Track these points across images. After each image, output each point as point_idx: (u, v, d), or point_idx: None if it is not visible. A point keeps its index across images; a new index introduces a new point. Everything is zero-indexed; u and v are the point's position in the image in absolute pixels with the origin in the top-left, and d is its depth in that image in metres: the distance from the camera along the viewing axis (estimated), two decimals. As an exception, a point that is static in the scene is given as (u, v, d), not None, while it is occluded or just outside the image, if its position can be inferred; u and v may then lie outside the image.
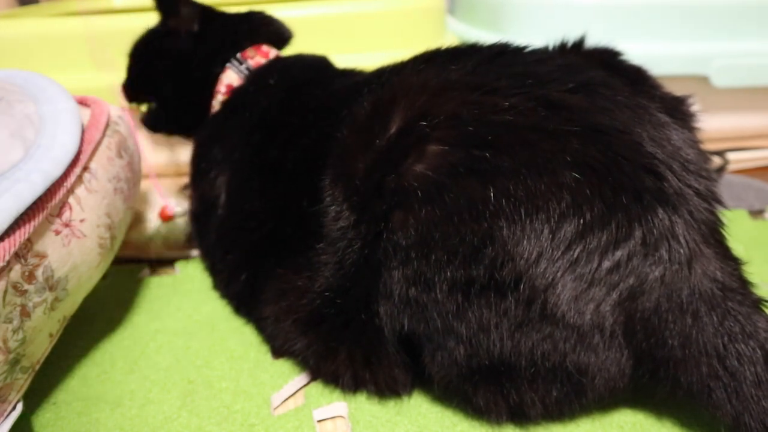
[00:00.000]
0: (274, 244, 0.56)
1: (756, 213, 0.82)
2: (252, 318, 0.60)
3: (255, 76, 0.69)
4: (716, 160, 0.93)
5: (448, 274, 0.41)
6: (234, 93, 0.69)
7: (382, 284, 0.45)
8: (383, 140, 0.46)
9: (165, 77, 0.72)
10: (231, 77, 0.70)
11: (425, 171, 0.42)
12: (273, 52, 0.72)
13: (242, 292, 0.59)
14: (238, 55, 0.70)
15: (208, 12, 0.73)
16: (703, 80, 0.96)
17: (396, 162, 0.44)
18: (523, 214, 0.40)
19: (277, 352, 0.57)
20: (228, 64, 0.70)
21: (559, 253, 0.40)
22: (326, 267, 0.49)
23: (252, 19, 0.75)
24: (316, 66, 0.70)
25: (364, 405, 0.51)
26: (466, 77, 0.49)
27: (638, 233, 0.40)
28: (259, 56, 0.71)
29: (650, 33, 0.96)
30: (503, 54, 0.52)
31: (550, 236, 0.40)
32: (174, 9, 0.72)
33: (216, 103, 0.71)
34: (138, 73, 0.74)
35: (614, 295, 0.40)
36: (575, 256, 0.40)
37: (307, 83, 0.65)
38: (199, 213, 0.68)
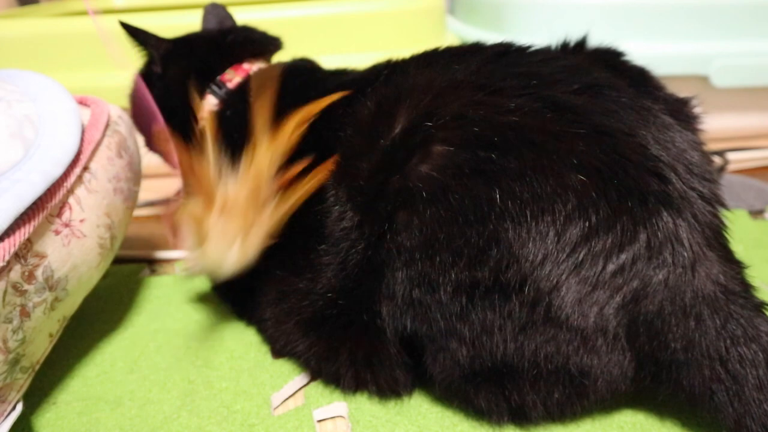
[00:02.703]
0: (274, 246, 0.56)
1: (756, 213, 0.82)
2: (253, 320, 0.60)
3: (231, 98, 0.68)
4: (716, 160, 0.94)
5: (453, 275, 0.41)
6: (213, 121, 0.68)
7: (385, 285, 0.45)
8: (387, 140, 0.46)
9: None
10: (211, 103, 0.70)
11: (430, 172, 0.42)
12: (256, 67, 0.71)
13: (244, 296, 0.59)
14: (218, 78, 0.70)
15: (175, 46, 0.72)
16: (703, 80, 0.96)
17: (400, 162, 0.44)
18: (528, 216, 0.40)
19: (278, 353, 0.57)
20: (208, 90, 0.70)
21: (564, 255, 0.40)
22: (328, 268, 0.49)
23: (226, 39, 0.73)
24: (299, 69, 0.70)
25: (364, 405, 0.51)
26: (470, 77, 0.48)
27: (643, 236, 0.40)
28: (238, 76, 0.70)
29: (650, 33, 0.96)
30: (507, 54, 0.52)
31: (556, 238, 0.40)
32: (144, 46, 0.72)
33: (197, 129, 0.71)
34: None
35: (618, 298, 0.40)
36: (580, 258, 0.40)
37: (295, 86, 0.65)
38: None
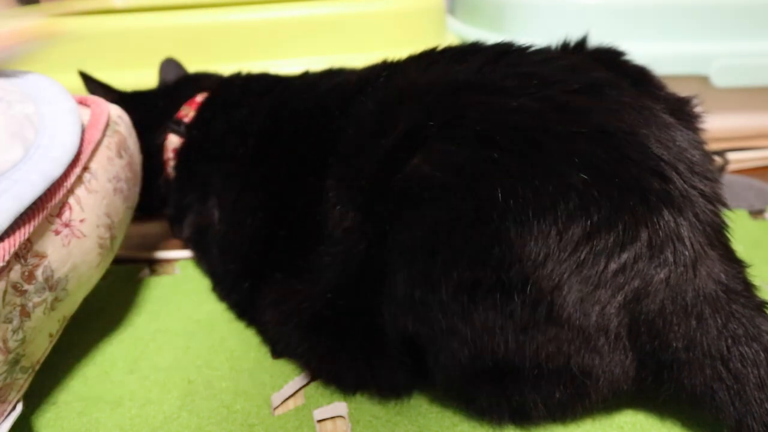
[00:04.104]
0: (273, 249, 0.56)
1: (756, 213, 0.82)
2: (254, 322, 0.60)
3: (191, 129, 0.69)
4: (717, 160, 0.93)
5: (454, 275, 0.41)
6: (180, 155, 0.70)
7: (386, 285, 0.44)
8: (389, 140, 0.46)
9: None
10: (173, 141, 0.71)
11: (432, 171, 0.42)
12: (201, 97, 0.72)
13: (245, 299, 0.59)
14: (175, 117, 0.71)
15: (121, 98, 0.73)
16: (703, 80, 0.96)
17: (402, 162, 0.44)
18: (530, 215, 0.39)
19: (278, 354, 0.56)
20: (168, 130, 0.71)
21: (566, 254, 0.40)
22: (328, 269, 0.49)
23: (176, 85, 0.76)
24: (262, 78, 0.71)
25: (364, 405, 0.51)
26: (471, 77, 0.48)
27: (644, 235, 0.40)
28: (192, 110, 0.71)
29: (650, 33, 0.96)
30: (507, 53, 0.52)
31: (558, 237, 0.39)
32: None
33: (170, 170, 0.72)
34: None
35: (619, 298, 0.40)
36: (582, 257, 0.40)
37: (290, 94, 0.65)
38: (195, 236, 0.68)
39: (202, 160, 0.67)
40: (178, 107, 0.72)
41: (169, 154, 0.71)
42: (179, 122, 0.71)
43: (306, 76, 0.68)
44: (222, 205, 0.63)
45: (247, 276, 0.58)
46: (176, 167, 0.71)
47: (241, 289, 0.59)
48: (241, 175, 0.61)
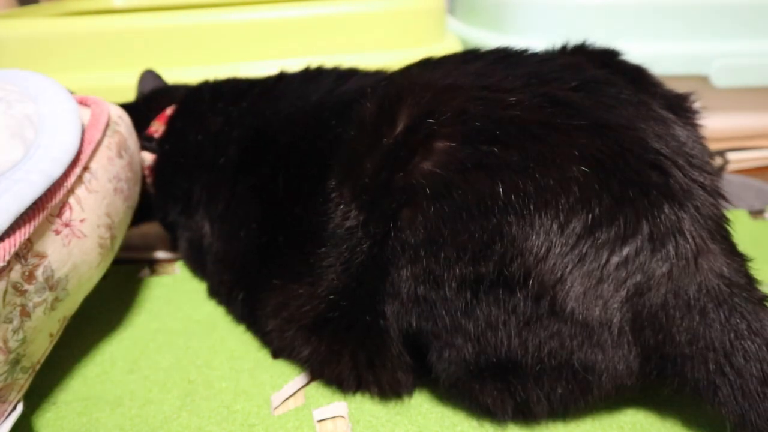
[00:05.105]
0: (268, 258, 0.55)
1: (756, 213, 0.82)
2: (258, 335, 0.59)
3: (163, 145, 0.69)
4: (716, 160, 0.93)
5: (457, 271, 0.41)
6: (156, 171, 0.70)
7: (389, 283, 0.44)
8: (390, 139, 0.46)
9: None
10: (147, 159, 0.70)
11: (433, 168, 0.42)
12: (171, 110, 0.71)
13: (242, 311, 0.59)
14: (145, 133, 0.70)
15: None
16: (703, 80, 0.96)
17: (404, 160, 0.44)
18: (531, 209, 0.39)
19: (280, 356, 0.56)
20: (140, 148, 0.70)
21: (568, 248, 0.40)
22: (330, 270, 0.49)
23: (145, 99, 0.74)
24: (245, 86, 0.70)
25: (364, 405, 0.51)
26: (470, 77, 0.49)
27: (645, 229, 0.40)
28: (161, 125, 0.70)
29: (650, 33, 0.96)
30: (505, 57, 0.53)
31: (559, 231, 0.39)
32: None
33: (149, 187, 0.71)
34: None
35: (622, 292, 0.40)
36: (584, 251, 0.40)
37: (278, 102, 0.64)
38: (189, 251, 0.68)
39: (179, 174, 0.67)
40: (148, 123, 0.71)
41: (145, 172, 0.71)
42: (150, 138, 0.70)
43: (286, 78, 0.67)
44: (210, 217, 0.62)
45: (241, 287, 0.58)
46: (154, 184, 0.71)
47: (236, 301, 0.59)
48: (228, 185, 0.61)
